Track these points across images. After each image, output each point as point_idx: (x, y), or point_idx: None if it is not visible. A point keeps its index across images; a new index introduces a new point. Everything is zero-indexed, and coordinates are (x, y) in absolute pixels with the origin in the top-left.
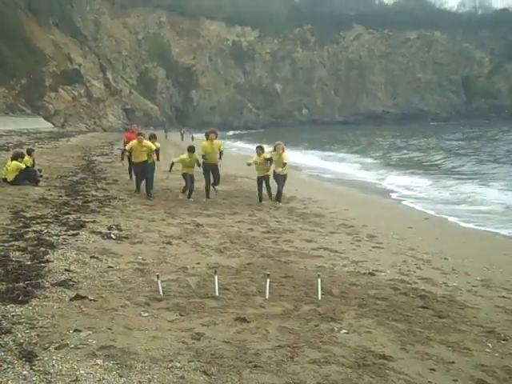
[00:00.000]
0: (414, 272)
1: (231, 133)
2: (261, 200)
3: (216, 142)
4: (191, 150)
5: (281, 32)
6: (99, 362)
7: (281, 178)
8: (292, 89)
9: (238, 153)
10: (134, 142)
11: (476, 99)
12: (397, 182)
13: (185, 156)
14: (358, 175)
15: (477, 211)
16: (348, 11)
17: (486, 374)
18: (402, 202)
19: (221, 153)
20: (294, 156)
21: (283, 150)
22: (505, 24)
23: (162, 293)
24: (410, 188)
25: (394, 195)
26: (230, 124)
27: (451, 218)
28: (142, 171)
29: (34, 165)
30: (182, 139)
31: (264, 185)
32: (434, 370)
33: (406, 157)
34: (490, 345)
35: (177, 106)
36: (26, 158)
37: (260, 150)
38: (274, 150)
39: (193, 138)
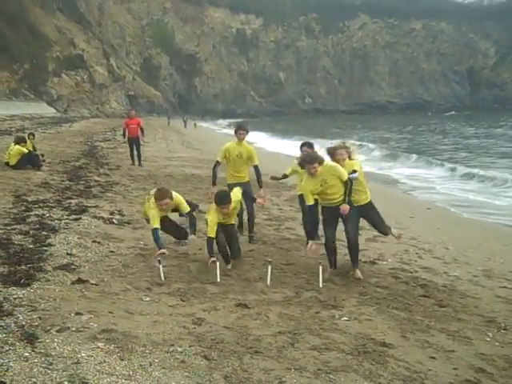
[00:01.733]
0: (415, 261)
1: (226, 122)
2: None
3: (246, 145)
4: (223, 200)
5: (285, 20)
6: (100, 345)
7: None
8: (296, 77)
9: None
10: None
11: (480, 90)
12: (400, 171)
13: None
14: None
15: (480, 202)
16: (353, 0)
17: (485, 363)
18: (405, 192)
19: (255, 169)
20: (296, 145)
21: (349, 157)
22: (511, 15)
23: (163, 278)
24: (413, 178)
25: (396, 184)
26: (233, 112)
27: (453, 209)
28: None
29: (35, 149)
30: (185, 126)
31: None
32: (434, 358)
33: (410, 146)
34: (490, 334)
35: (180, 93)
36: (28, 142)
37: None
38: (331, 154)
39: (195, 125)
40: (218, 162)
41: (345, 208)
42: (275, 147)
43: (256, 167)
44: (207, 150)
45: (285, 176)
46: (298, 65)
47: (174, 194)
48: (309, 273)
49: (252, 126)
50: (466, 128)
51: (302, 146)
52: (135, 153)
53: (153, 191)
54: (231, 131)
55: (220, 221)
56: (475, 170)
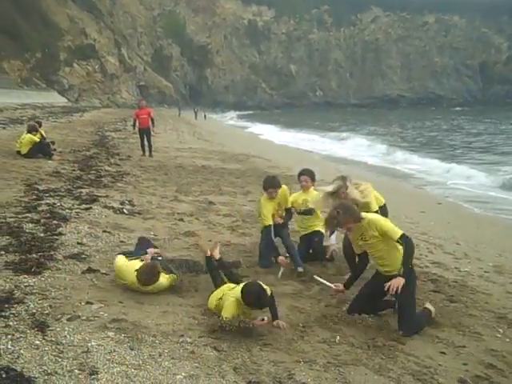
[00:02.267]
0: (426, 256)
1: (234, 113)
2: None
3: (313, 192)
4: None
5: (297, 12)
6: (110, 334)
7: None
8: (307, 70)
9: (252, 132)
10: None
11: (493, 85)
12: (412, 166)
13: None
14: (371, 158)
15: (491, 197)
16: None
17: (496, 359)
18: (416, 186)
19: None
20: (308, 138)
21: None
22: None
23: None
24: (424, 172)
25: (408, 179)
26: (244, 104)
27: (465, 204)
28: None
29: (44, 137)
30: (196, 118)
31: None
32: (444, 353)
33: (422, 141)
34: (500, 330)
35: (191, 85)
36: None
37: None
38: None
39: (205, 117)
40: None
41: (396, 283)
42: (284, 140)
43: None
44: (217, 141)
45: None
46: (309, 57)
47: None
48: (319, 265)
49: (262, 119)
50: (478, 123)
51: (301, 174)
52: (146, 143)
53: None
54: (237, 123)
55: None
56: (487, 166)
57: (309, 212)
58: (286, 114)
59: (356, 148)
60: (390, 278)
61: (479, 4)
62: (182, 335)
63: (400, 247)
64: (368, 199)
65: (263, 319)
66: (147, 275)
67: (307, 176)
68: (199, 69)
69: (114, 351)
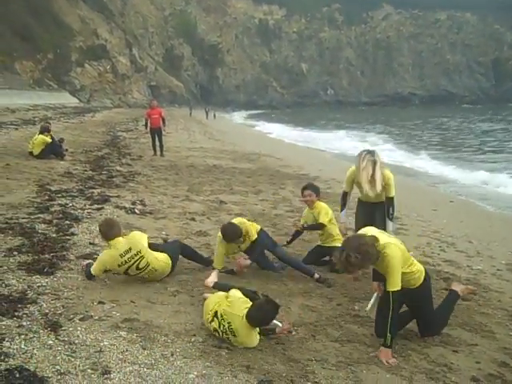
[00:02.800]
0: (438, 254)
1: (244, 113)
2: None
3: (320, 204)
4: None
5: (308, 11)
6: (123, 334)
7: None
8: (318, 69)
9: (261, 130)
10: None
11: (505, 82)
12: (424, 164)
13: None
14: (383, 156)
15: (504, 195)
16: None
17: (509, 357)
18: (428, 184)
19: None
20: (320, 136)
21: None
22: None
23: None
24: (436, 170)
25: (420, 177)
26: (255, 103)
27: (477, 202)
28: None
29: (53, 138)
30: (207, 117)
31: None
32: (456, 351)
33: (433, 139)
34: None
35: (202, 84)
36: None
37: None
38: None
39: (215, 116)
40: None
41: (383, 357)
42: (294, 138)
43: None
44: (228, 140)
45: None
46: (320, 56)
47: None
48: (331, 264)
49: (272, 118)
50: (489, 122)
51: (305, 189)
52: (157, 143)
53: None
54: (248, 122)
55: None
56: (501, 165)
57: (316, 227)
58: (297, 113)
59: (367, 145)
60: (409, 293)
61: (491, 1)
62: (194, 334)
63: (415, 266)
64: (391, 182)
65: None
66: None
67: (311, 191)
68: (210, 68)
69: (127, 351)
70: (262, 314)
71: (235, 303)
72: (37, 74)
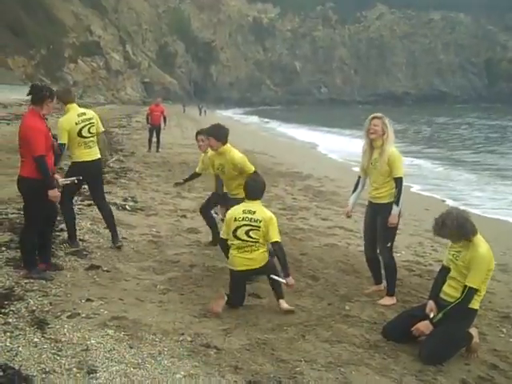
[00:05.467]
0: (430, 254)
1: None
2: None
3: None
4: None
5: (302, 9)
6: (110, 332)
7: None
8: (311, 67)
9: (255, 128)
10: None
11: (498, 83)
12: (418, 164)
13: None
14: None
15: (493, 199)
16: None
17: (498, 359)
18: (420, 185)
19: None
20: (312, 134)
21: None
22: None
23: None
24: (430, 169)
25: (411, 177)
26: (249, 100)
27: (470, 202)
28: None
29: None
30: (200, 114)
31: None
32: None
33: (429, 139)
34: (504, 330)
35: (196, 81)
36: None
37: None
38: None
39: (205, 113)
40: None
41: (422, 328)
42: (288, 136)
43: None
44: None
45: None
46: (314, 54)
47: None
48: (321, 263)
49: (266, 115)
50: (485, 120)
51: (198, 134)
52: (154, 139)
53: None
54: (241, 119)
55: None
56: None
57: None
58: (290, 111)
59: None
60: (445, 305)
61: (485, 1)
62: (183, 333)
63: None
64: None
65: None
66: None
67: (203, 136)
68: (204, 65)
69: (114, 349)
70: (259, 182)
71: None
72: (30, 70)
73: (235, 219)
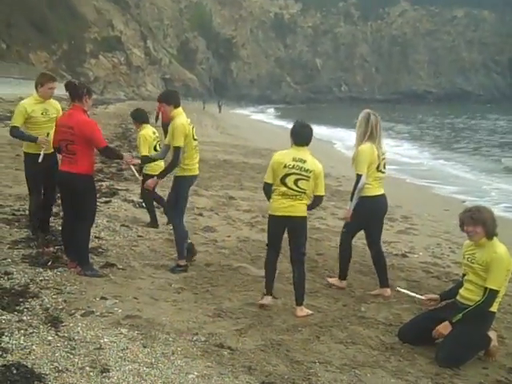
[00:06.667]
0: (448, 255)
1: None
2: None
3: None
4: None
5: (324, 6)
6: (124, 331)
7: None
8: (332, 64)
9: (275, 125)
10: None
11: None
12: (434, 164)
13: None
14: (397, 156)
15: None
16: None
17: None
18: (440, 184)
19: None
20: (331, 132)
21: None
22: None
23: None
24: (450, 171)
25: (431, 177)
26: (268, 98)
27: (490, 203)
28: None
29: None
30: (220, 111)
31: None
32: None
33: (450, 139)
34: None
35: (216, 78)
36: None
37: None
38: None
39: (220, 108)
40: None
41: (442, 330)
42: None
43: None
44: (241, 135)
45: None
46: (335, 51)
47: None
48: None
49: (286, 113)
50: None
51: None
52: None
53: None
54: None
55: None
56: None
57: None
58: (310, 110)
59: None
60: (463, 308)
61: None
62: (196, 333)
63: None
64: (360, 157)
65: None
66: None
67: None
68: (224, 62)
69: (127, 348)
70: (307, 127)
71: None
72: (51, 65)
73: (285, 166)
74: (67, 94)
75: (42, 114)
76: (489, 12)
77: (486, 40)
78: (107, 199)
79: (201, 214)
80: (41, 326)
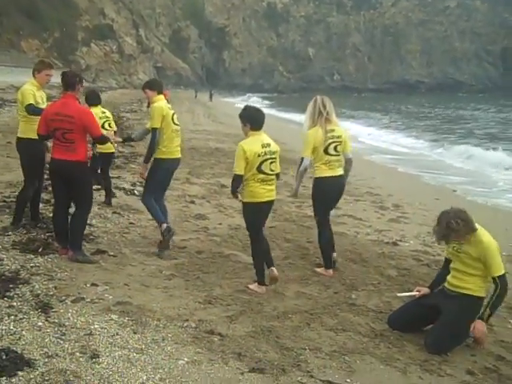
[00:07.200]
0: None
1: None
2: None
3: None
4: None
5: None
6: (114, 317)
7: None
8: (325, 54)
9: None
10: None
11: None
12: (428, 154)
13: None
14: (389, 145)
15: (507, 188)
16: None
17: (505, 351)
18: (431, 173)
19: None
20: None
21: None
22: None
23: None
24: (441, 159)
25: (422, 166)
26: (261, 87)
27: (479, 191)
28: None
29: None
30: (211, 100)
31: None
32: None
33: (444, 129)
34: (511, 321)
35: (208, 67)
36: None
37: None
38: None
39: (211, 97)
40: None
41: (480, 329)
42: (299, 122)
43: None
44: (232, 123)
45: None
46: (327, 41)
47: None
48: None
49: (280, 102)
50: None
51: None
52: None
53: None
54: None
55: None
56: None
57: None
58: (303, 99)
59: (374, 132)
60: (451, 295)
61: None
62: (187, 320)
63: (487, 280)
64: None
65: None
66: None
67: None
68: (217, 51)
69: (117, 334)
70: (261, 112)
71: None
72: (42, 53)
73: (258, 155)
74: (60, 82)
75: (41, 100)
76: (481, 2)
77: (478, 30)
78: (98, 186)
79: (192, 202)
80: (31, 312)
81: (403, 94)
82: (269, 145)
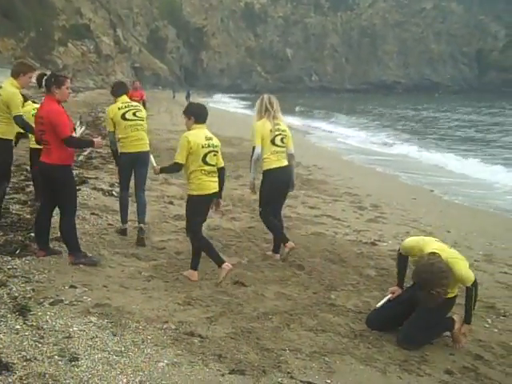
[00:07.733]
0: None
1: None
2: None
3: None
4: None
5: None
6: (93, 319)
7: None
8: (303, 54)
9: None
10: None
11: (489, 73)
12: (405, 151)
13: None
14: (366, 144)
15: (483, 187)
16: None
17: (483, 350)
18: (407, 173)
19: None
20: (301, 121)
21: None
22: None
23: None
24: (417, 159)
25: (398, 165)
26: (239, 87)
27: (457, 191)
28: None
29: None
30: (187, 100)
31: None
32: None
33: (419, 128)
34: (489, 320)
35: (186, 67)
36: None
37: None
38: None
39: (188, 97)
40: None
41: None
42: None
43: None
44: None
45: None
46: (305, 42)
47: None
48: (308, 252)
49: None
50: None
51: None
52: None
53: None
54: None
55: None
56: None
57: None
58: (280, 99)
59: (352, 133)
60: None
61: None
62: (167, 321)
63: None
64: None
65: None
66: None
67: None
68: (195, 51)
69: (96, 337)
70: (204, 107)
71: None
72: (18, 52)
73: (202, 146)
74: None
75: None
76: (457, 4)
77: (453, 32)
78: (76, 187)
79: (171, 203)
80: (8, 315)
81: (380, 94)
82: (211, 138)
